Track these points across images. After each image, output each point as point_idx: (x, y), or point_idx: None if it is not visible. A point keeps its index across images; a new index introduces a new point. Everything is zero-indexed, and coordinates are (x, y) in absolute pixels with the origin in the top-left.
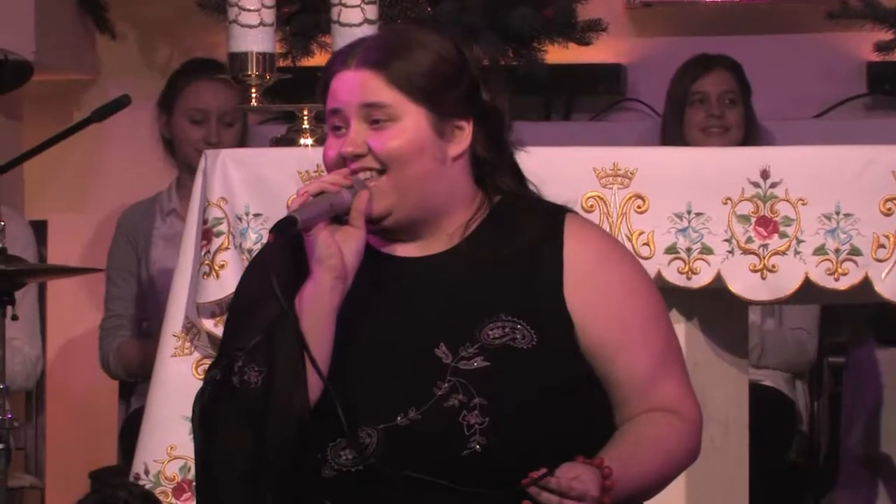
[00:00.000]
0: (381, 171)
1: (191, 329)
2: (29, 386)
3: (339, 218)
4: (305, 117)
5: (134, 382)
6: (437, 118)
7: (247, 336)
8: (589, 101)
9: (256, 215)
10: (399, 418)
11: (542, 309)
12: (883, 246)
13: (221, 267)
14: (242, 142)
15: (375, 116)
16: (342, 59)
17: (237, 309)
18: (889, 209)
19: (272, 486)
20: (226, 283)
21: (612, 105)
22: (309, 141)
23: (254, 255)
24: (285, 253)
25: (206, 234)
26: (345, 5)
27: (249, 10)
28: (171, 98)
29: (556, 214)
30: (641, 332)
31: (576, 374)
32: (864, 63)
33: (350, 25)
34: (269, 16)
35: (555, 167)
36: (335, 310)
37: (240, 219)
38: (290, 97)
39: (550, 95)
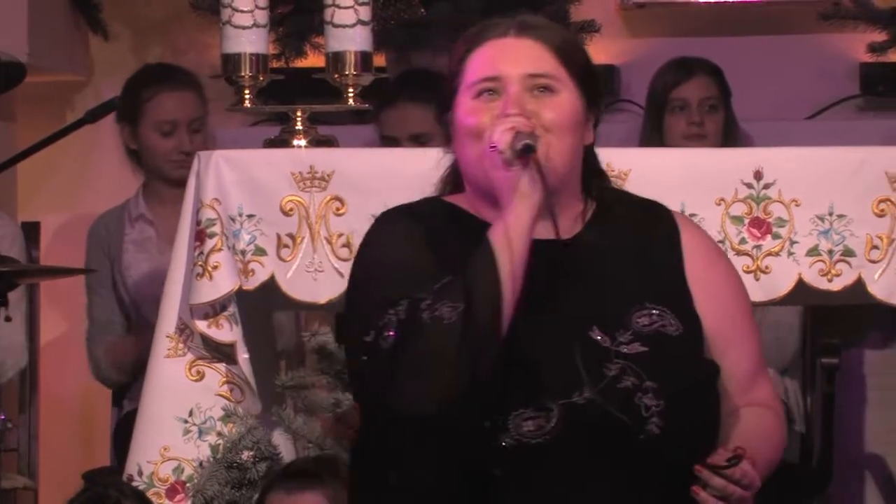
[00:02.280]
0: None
1: (184, 330)
2: (4, 373)
3: None
4: (299, 118)
5: (126, 386)
6: (586, 101)
7: (406, 287)
8: None
9: (250, 216)
10: (575, 396)
11: (677, 299)
12: (876, 247)
13: (215, 268)
14: (206, 145)
15: (541, 84)
16: (492, 29)
17: (386, 267)
18: (882, 210)
19: (469, 417)
20: (219, 285)
21: (606, 106)
22: (302, 142)
23: (243, 253)
24: (416, 219)
25: (200, 235)
26: (338, 6)
27: (243, 11)
28: (135, 110)
29: (661, 207)
30: (748, 327)
31: (711, 362)
32: (856, 64)
33: (343, 26)
34: (262, 17)
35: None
36: (529, 248)
37: (233, 220)
38: (284, 98)
39: None
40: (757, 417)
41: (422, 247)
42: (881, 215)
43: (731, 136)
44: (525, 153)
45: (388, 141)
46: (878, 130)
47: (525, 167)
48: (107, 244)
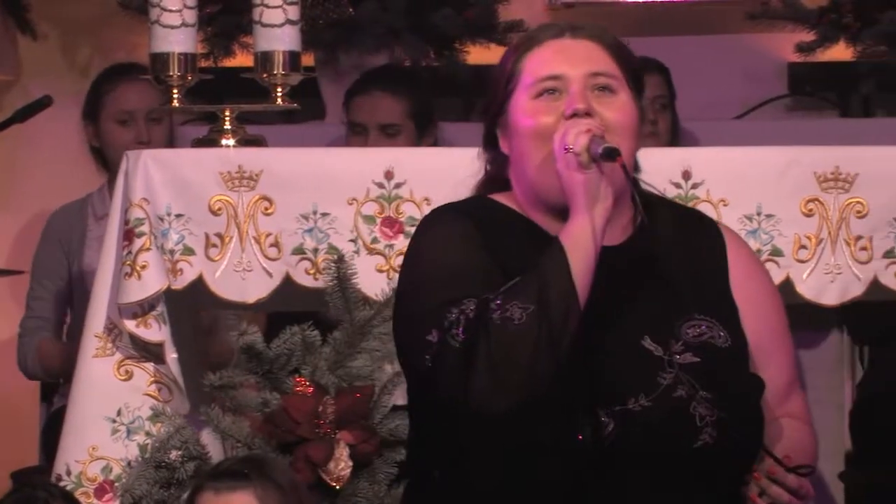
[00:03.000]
0: None
1: (112, 330)
2: None
3: None
4: (227, 118)
5: (56, 383)
6: (639, 105)
7: (468, 286)
8: None
9: (178, 216)
10: (630, 403)
11: (725, 311)
12: (804, 247)
13: (143, 268)
14: (170, 138)
15: (602, 84)
16: (545, 31)
17: (444, 265)
18: (810, 210)
19: (538, 418)
20: (147, 284)
21: None
22: (230, 142)
23: (171, 252)
24: (468, 218)
25: (128, 235)
26: (266, 6)
27: (171, 11)
28: (96, 105)
29: (705, 216)
30: (786, 339)
31: (756, 377)
32: (785, 64)
33: (272, 26)
34: (190, 16)
35: (476, 167)
36: (599, 252)
37: (161, 219)
38: (212, 98)
39: (471, 96)
40: (794, 430)
41: (477, 246)
42: (809, 215)
43: (676, 135)
44: (608, 157)
45: (356, 127)
46: (807, 130)
47: (601, 171)
48: (67, 239)
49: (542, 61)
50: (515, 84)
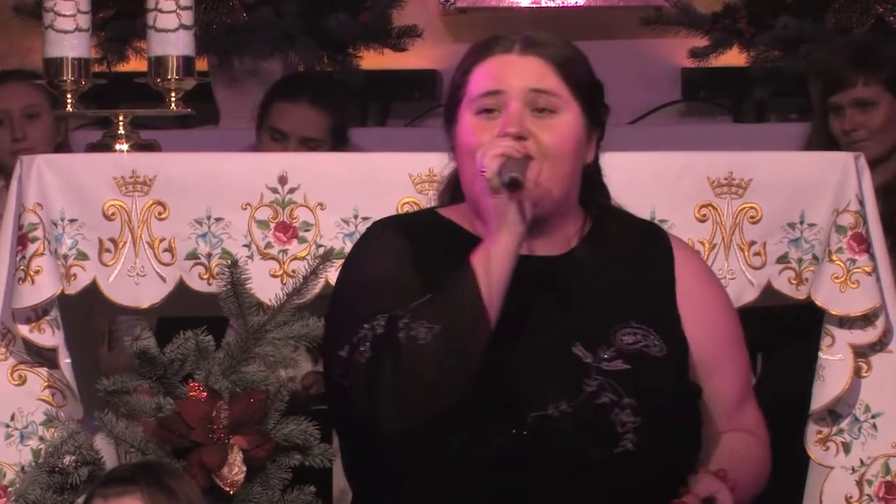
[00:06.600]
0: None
1: (6, 335)
2: None
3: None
4: (121, 123)
5: None
6: (587, 121)
7: (385, 302)
8: (404, 107)
9: (72, 221)
10: (550, 408)
11: (664, 321)
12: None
13: (37, 272)
14: (60, 132)
15: (541, 104)
16: (497, 44)
17: (368, 281)
18: (704, 215)
19: (434, 440)
20: (41, 289)
21: (428, 111)
22: (124, 146)
23: (65, 257)
24: (405, 233)
25: (22, 240)
26: (160, 11)
27: (65, 16)
28: None
29: (657, 228)
30: (736, 352)
31: (693, 385)
32: (678, 69)
33: (166, 31)
34: (84, 21)
35: (371, 173)
36: (510, 276)
37: (55, 224)
38: (106, 103)
39: (366, 101)
40: (741, 443)
41: (408, 262)
42: (703, 220)
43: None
44: (511, 187)
45: (276, 134)
46: (700, 135)
47: (512, 197)
48: None
49: (485, 77)
50: (462, 96)
